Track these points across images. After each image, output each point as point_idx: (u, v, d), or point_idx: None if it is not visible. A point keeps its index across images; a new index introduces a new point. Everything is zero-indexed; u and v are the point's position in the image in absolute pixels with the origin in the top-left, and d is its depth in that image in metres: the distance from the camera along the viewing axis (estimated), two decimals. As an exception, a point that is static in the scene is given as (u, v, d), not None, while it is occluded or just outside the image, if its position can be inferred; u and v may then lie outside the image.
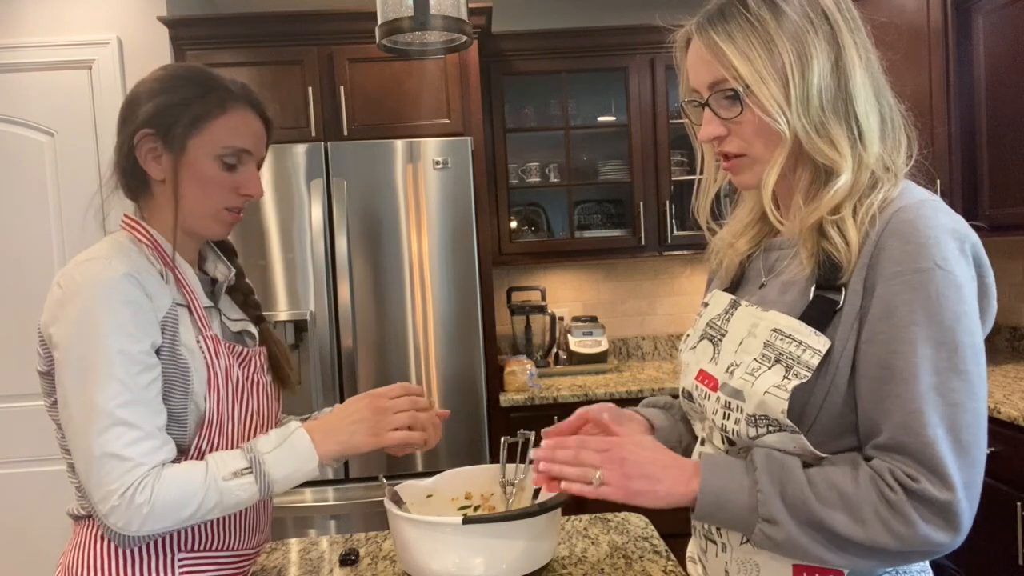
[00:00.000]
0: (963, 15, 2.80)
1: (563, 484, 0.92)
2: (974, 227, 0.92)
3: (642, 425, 1.17)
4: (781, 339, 0.92)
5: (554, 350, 3.44)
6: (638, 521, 1.52)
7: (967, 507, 0.83)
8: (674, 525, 1.41)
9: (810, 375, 0.88)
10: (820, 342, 0.89)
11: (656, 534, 1.45)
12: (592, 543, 1.42)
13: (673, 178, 3.30)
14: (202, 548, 1.13)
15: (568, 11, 3.54)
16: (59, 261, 2.95)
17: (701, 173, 1.07)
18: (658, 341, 3.66)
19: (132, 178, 1.15)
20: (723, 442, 1.00)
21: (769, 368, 0.91)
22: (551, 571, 1.29)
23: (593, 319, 3.45)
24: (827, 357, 0.89)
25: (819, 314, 0.90)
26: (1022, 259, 3.05)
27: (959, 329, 0.84)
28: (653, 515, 1.30)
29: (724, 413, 0.97)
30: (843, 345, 0.89)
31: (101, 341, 1.01)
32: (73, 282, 1.04)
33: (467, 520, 1.12)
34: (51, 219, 2.96)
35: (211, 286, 1.25)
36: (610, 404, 1.15)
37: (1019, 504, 2.15)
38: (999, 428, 2.23)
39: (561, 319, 3.50)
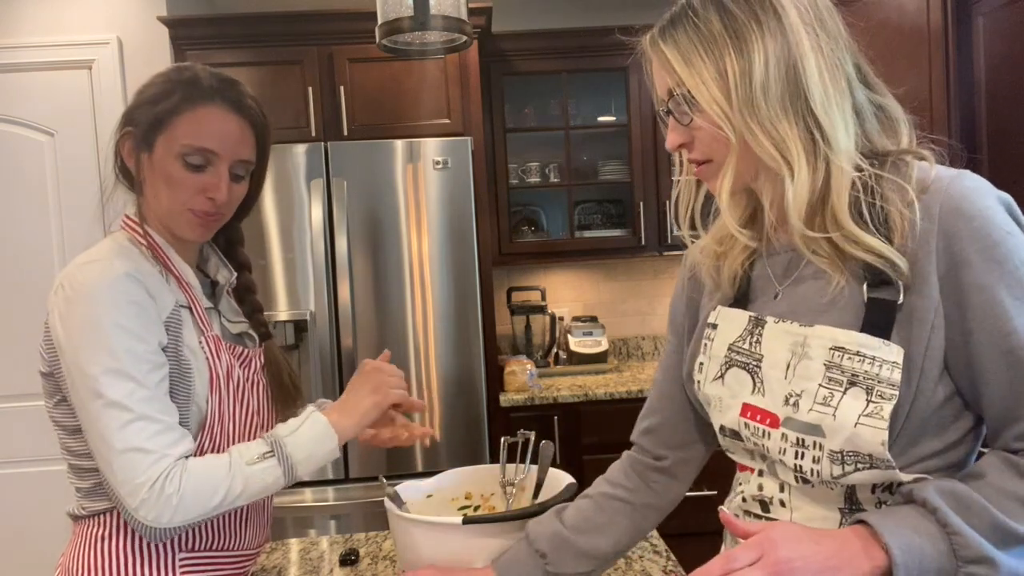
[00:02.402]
0: (963, 15, 2.80)
1: None
2: None
3: None
4: (848, 357, 0.82)
5: (554, 350, 3.44)
6: (638, 521, 1.52)
7: None
8: (674, 525, 1.41)
9: (897, 393, 0.79)
10: (893, 352, 0.80)
11: (656, 534, 1.45)
12: (592, 543, 1.42)
13: (673, 178, 3.29)
14: (202, 548, 1.13)
15: (568, 11, 3.53)
16: (59, 261, 2.95)
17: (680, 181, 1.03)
18: (658, 341, 3.66)
19: (124, 176, 1.17)
20: (796, 481, 0.90)
21: (844, 393, 0.82)
22: (551, 571, 1.29)
23: (593, 319, 3.45)
24: (908, 365, 0.80)
25: (881, 319, 0.82)
26: (1022, 259, 3.05)
27: None
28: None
29: (797, 452, 0.86)
30: (924, 345, 0.81)
31: (108, 342, 1.01)
32: (76, 284, 1.04)
33: (467, 520, 1.12)
34: (51, 219, 2.96)
35: (211, 288, 1.25)
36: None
37: (1019, 504, 2.14)
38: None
39: (561, 319, 3.50)
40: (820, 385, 0.84)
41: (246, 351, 1.22)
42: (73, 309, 1.03)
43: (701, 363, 0.99)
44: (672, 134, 0.93)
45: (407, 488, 1.32)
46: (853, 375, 0.82)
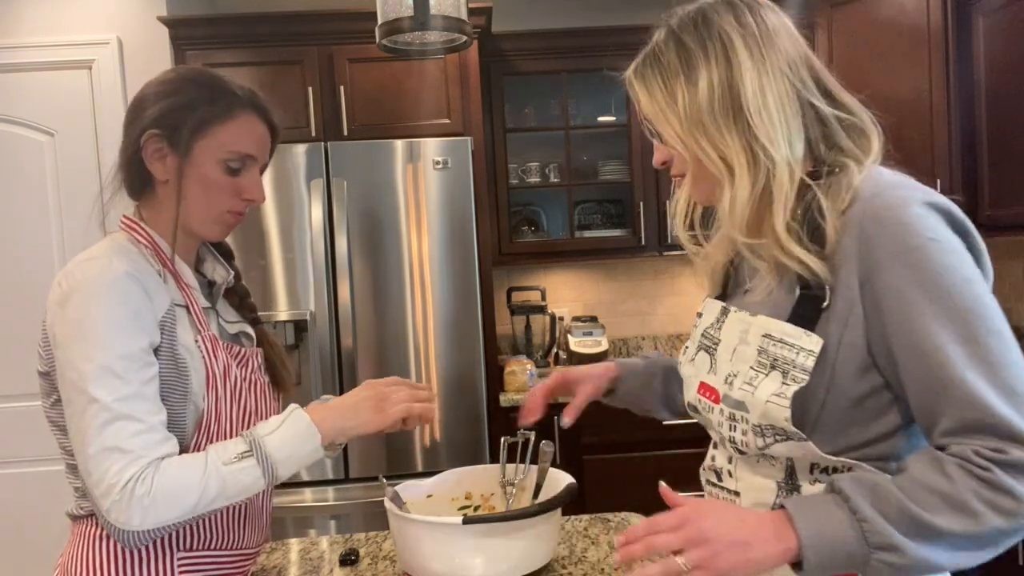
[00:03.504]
0: (963, 15, 2.80)
1: None
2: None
3: (603, 375, 1.29)
4: (773, 344, 0.92)
5: (554, 350, 3.44)
6: (638, 521, 1.52)
7: None
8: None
9: (808, 378, 0.88)
10: (813, 342, 0.89)
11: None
12: (592, 543, 1.42)
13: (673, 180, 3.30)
14: (201, 547, 1.13)
15: (568, 11, 3.53)
16: (59, 261, 2.95)
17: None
18: (658, 341, 3.66)
19: (136, 178, 1.16)
20: (734, 451, 1.00)
21: (766, 375, 0.92)
22: (551, 571, 1.29)
23: (593, 319, 3.45)
24: (822, 356, 0.88)
25: (807, 313, 0.91)
26: (1022, 259, 3.05)
27: (969, 293, 0.84)
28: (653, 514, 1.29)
29: (730, 425, 0.97)
30: (838, 340, 0.89)
31: (100, 339, 1.01)
32: (74, 281, 1.05)
33: (467, 520, 1.12)
34: (51, 219, 2.96)
35: (208, 288, 1.25)
36: (560, 368, 1.16)
37: (1019, 504, 2.14)
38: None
39: (561, 319, 3.50)
40: (751, 367, 0.94)
41: (243, 350, 1.22)
42: (69, 305, 1.04)
43: (687, 347, 1.12)
44: (656, 153, 1.06)
45: (407, 488, 1.32)
46: (775, 360, 0.92)
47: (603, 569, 1.30)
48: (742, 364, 0.96)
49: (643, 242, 3.29)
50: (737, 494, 1.01)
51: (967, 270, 0.85)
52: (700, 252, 1.11)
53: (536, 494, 1.24)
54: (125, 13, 2.96)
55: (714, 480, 1.06)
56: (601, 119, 3.41)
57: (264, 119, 1.19)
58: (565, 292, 3.62)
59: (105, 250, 1.09)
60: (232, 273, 1.27)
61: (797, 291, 0.93)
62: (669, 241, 3.29)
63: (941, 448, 0.85)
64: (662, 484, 0.90)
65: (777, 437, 0.92)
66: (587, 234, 3.38)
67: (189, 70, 1.20)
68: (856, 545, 0.80)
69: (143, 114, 1.13)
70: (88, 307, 1.02)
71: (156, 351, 1.07)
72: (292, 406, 1.13)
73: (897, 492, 0.82)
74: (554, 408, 1.37)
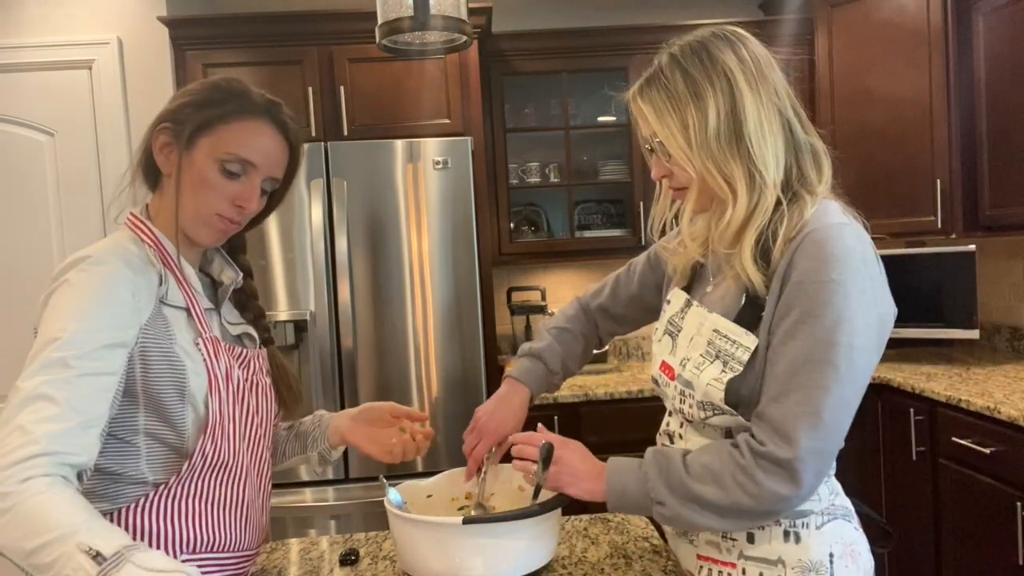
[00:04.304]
0: (963, 15, 2.80)
1: (514, 464, 1.19)
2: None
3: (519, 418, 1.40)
4: (720, 338, 1.11)
5: (554, 350, 3.43)
6: (638, 521, 1.52)
7: (809, 466, 1.00)
8: (674, 525, 1.41)
9: (742, 368, 1.07)
10: (750, 340, 1.07)
11: (656, 534, 1.45)
12: (592, 543, 1.42)
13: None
14: (203, 550, 1.13)
15: (568, 11, 3.54)
16: (59, 261, 2.93)
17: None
18: (658, 341, 3.66)
19: (147, 171, 1.17)
20: (684, 420, 1.20)
21: (711, 363, 1.11)
22: (551, 571, 1.29)
23: (593, 319, 3.45)
24: (755, 352, 1.07)
25: (748, 317, 1.09)
26: (1022, 259, 3.05)
27: (839, 330, 1.00)
28: (653, 515, 1.30)
29: (680, 399, 1.18)
30: (766, 342, 1.07)
31: (60, 324, 0.98)
32: (60, 275, 1.04)
33: (467, 520, 1.12)
34: (51, 219, 2.96)
35: (213, 288, 1.25)
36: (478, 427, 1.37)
37: (1019, 504, 2.15)
38: (999, 428, 2.23)
39: (561, 319, 3.49)
40: (700, 354, 1.14)
41: (245, 352, 1.22)
42: (51, 298, 1.03)
43: (656, 327, 1.30)
44: (655, 168, 1.18)
45: (407, 488, 1.32)
46: (719, 351, 1.11)
47: (603, 569, 1.30)
48: (694, 351, 1.15)
49: (643, 242, 3.29)
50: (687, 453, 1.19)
51: (848, 312, 1.00)
52: (678, 246, 1.25)
53: (536, 494, 1.24)
54: (125, 13, 2.96)
55: (667, 443, 1.25)
56: (601, 119, 3.41)
57: (281, 132, 1.17)
58: (565, 292, 3.62)
59: (99, 248, 1.08)
60: (240, 275, 1.26)
61: (743, 299, 1.10)
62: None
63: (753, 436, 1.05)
64: (540, 425, 1.25)
65: (715, 411, 1.11)
66: (587, 234, 3.38)
67: (221, 77, 1.20)
68: (641, 497, 1.10)
69: (163, 110, 1.15)
70: (63, 300, 1.01)
71: (130, 355, 1.04)
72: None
73: (680, 464, 1.08)
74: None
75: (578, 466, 1.16)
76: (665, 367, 1.22)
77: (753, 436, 1.04)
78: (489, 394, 2.84)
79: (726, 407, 1.09)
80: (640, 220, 3.28)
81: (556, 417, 2.90)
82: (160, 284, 1.11)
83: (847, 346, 1.00)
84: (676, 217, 1.21)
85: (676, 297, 1.25)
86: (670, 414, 1.26)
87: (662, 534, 1.45)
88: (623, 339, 3.65)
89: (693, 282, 1.26)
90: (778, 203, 1.07)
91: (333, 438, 1.39)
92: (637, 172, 3.29)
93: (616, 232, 3.38)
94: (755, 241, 1.08)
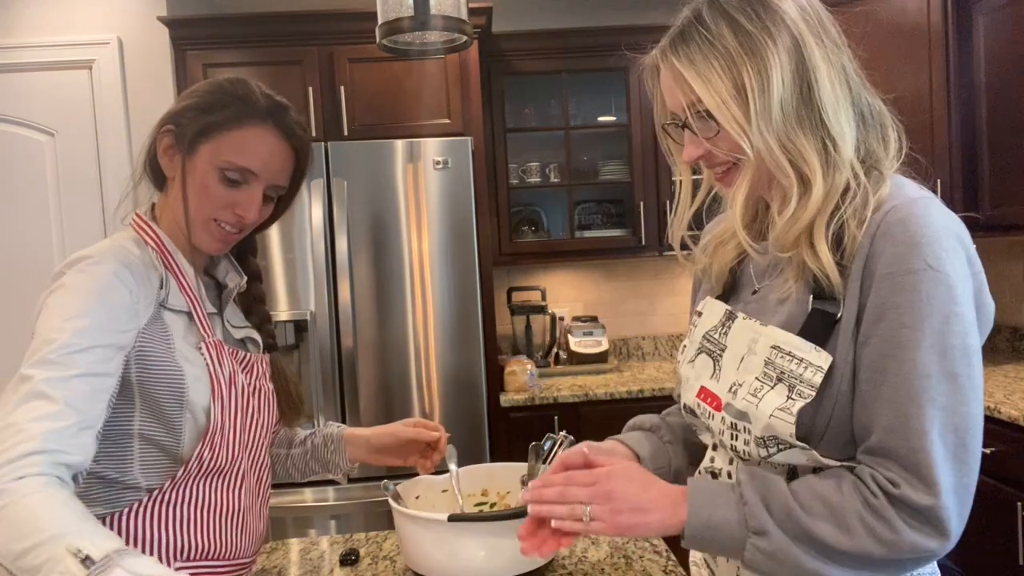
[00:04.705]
0: (963, 15, 2.80)
1: (553, 523, 0.89)
2: (970, 218, 0.90)
3: (626, 455, 1.11)
4: (781, 356, 0.89)
5: (554, 350, 3.44)
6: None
7: (955, 512, 0.81)
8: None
9: (814, 393, 0.86)
10: (821, 358, 0.86)
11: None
12: (592, 543, 1.42)
13: (673, 178, 3.30)
14: (199, 557, 1.11)
15: (568, 11, 3.53)
16: (59, 261, 2.94)
17: (682, 198, 1.06)
18: (658, 341, 3.66)
19: (153, 172, 1.16)
20: (734, 459, 0.99)
21: (772, 388, 0.89)
22: (551, 571, 1.29)
23: (593, 319, 3.45)
24: (830, 372, 0.86)
25: (818, 328, 0.88)
26: (1022, 259, 3.05)
27: (949, 331, 0.82)
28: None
29: (731, 434, 0.95)
30: (845, 356, 0.86)
31: (58, 323, 0.97)
32: (59, 275, 1.04)
33: (452, 518, 1.14)
34: (51, 219, 2.96)
35: (217, 290, 1.24)
36: (588, 443, 1.09)
37: (1019, 504, 2.15)
38: (999, 428, 2.23)
39: (561, 319, 3.50)
40: (756, 378, 0.91)
41: (248, 356, 1.21)
42: (52, 294, 1.02)
43: (685, 345, 1.08)
44: (689, 147, 0.95)
45: (423, 482, 1.37)
46: (781, 372, 0.89)
47: (603, 569, 1.30)
48: (747, 375, 0.93)
49: (643, 242, 3.29)
50: None
51: (955, 307, 0.82)
52: (711, 246, 1.07)
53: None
54: (125, 13, 2.96)
55: None
56: (601, 119, 3.42)
57: (286, 137, 1.13)
58: (565, 292, 3.62)
59: (98, 249, 1.07)
60: (244, 278, 1.25)
61: (810, 304, 0.89)
62: (669, 241, 3.28)
63: (859, 463, 0.87)
64: (584, 447, 1.00)
65: (780, 447, 0.90)
66: (587, 234, 3.38)
67: (227, 77, 1.17)
68: (736, 527, 0.85)
69: (168, 111, 1.13)
70: (59, 299, 1.01)
71: (127, 358, 1.03)
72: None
73: (786, 491, 0.86)
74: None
75: (640, 496, 0.89)
76: (706, 394, 0.99)
77: (880, 474, 0.83)
78: (489, 394, 2.85)
79: (796, 442, 0.87)
80: (640, 220, 3.27)
81: (556, 417, 2.90)
82: (161, 287, 1.09)
83: (962, 349, 0.82)
84: (694, 221, 1.06)
85: (712, 308, 1.04)
86: (714, 447, 1.04)
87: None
88: (623, 339, 3.65)
89: (732, 290, 1.05)
90: (846, 185, 0.88)
91: (352, 459, 1.40)
92: (637, 172, 3.29)
93: (616, 232, 3.38)
94: (831, 233, 0.88)
